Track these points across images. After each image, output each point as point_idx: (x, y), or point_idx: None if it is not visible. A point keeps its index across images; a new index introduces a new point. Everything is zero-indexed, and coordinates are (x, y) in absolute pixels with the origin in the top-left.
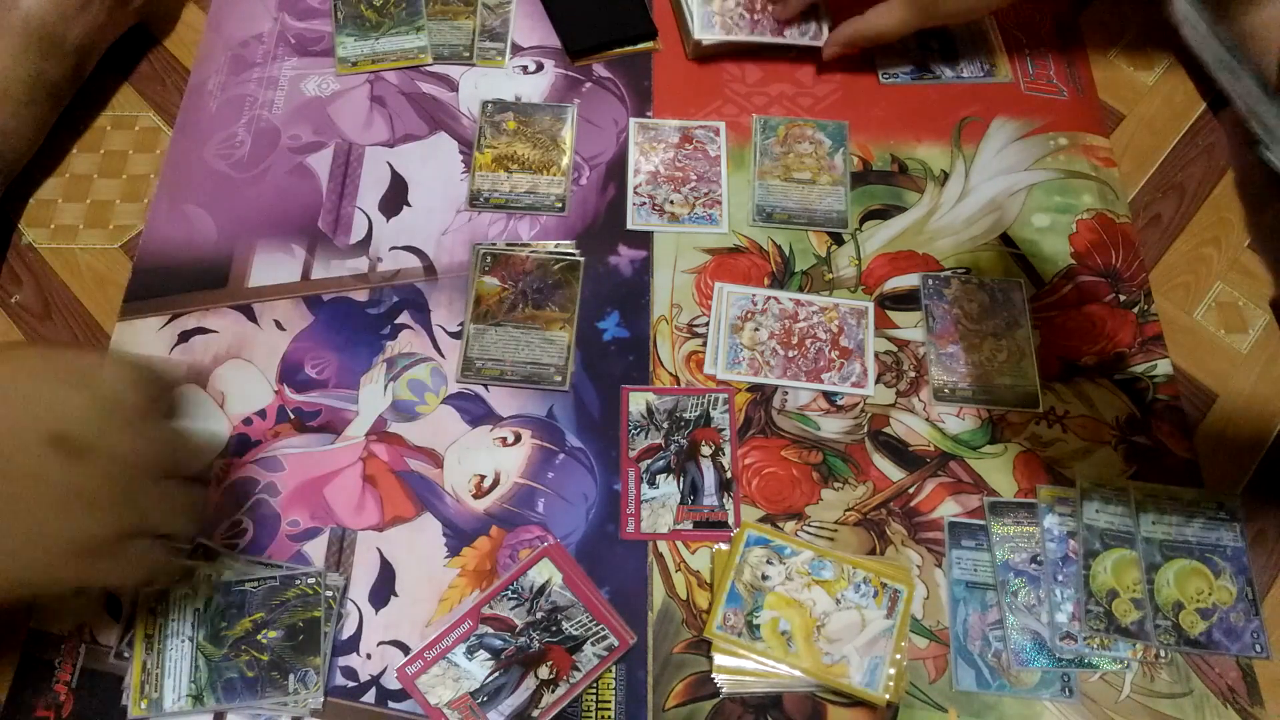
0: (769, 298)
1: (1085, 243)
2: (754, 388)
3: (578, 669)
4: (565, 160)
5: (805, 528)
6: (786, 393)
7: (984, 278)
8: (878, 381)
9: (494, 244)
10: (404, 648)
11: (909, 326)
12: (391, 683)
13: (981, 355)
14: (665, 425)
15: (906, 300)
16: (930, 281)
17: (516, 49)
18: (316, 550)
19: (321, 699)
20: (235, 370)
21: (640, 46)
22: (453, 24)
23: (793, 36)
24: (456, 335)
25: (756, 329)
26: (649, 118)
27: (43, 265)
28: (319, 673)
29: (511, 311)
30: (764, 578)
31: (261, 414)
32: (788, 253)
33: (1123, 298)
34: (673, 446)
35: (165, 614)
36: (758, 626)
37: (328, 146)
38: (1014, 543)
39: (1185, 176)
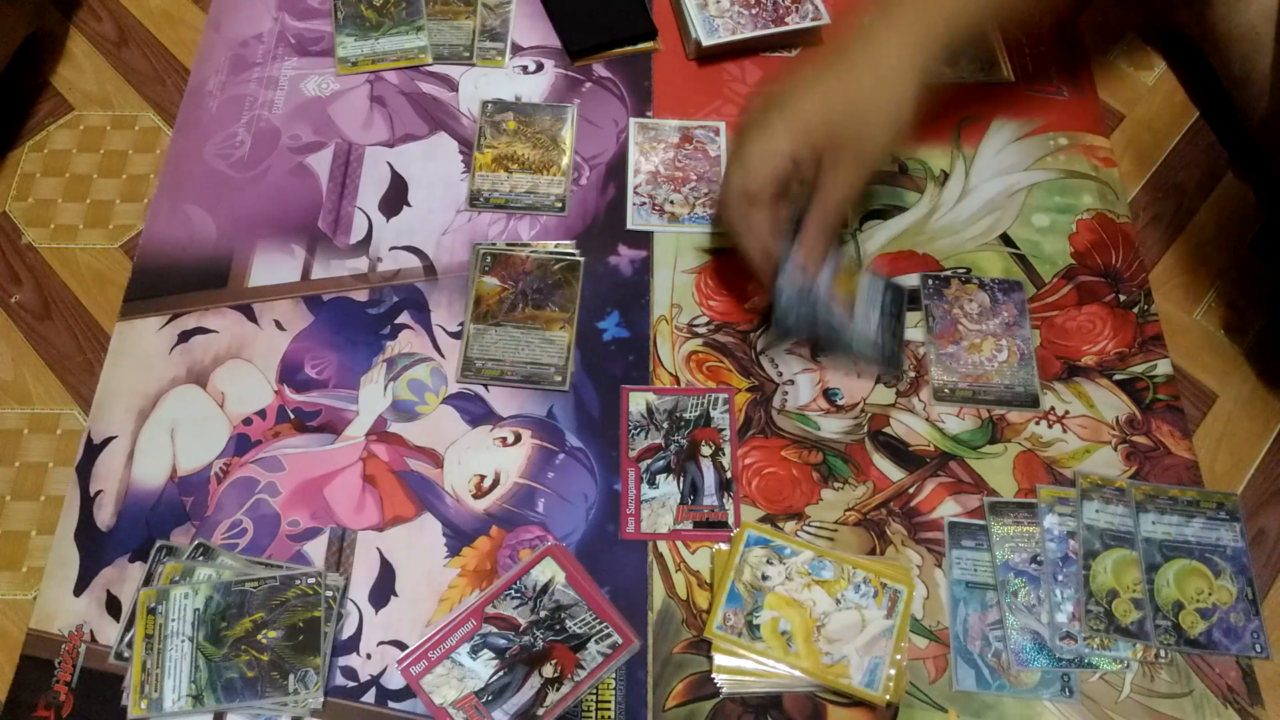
0: None
1: (1085, 243)
2: (754, 388)
3: (582, 667)
4: (565, 160)
5: (805, 528)
6: (786, 392)
7: (984, 277)
8: (878, 382)
9: (494, 244)
10: (404, 648)
11: (909, 326)
12: (392, 682)
13: (982, 355)
14: (665, 425)
15: (909, 300)
16: (930, 281)
17: (516, 49)
18: (316, 550)
19: (321, 699)
20: (235, 370)
21: (640, 46)
22: (453, 24)
23: (794, 22)
24: (456, 335)
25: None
26: (649, 118)
27: (43, 265)
28: (319, 673)
29: (511, 311)
30: (764, 578)
31: (261, 414)
32: None
33: (1123, 298)
34: (673, 446)
35: (165, 614)
36: (758, 626)
37: (328, 146)
38: (1014, 543)
39: (1185, 176)
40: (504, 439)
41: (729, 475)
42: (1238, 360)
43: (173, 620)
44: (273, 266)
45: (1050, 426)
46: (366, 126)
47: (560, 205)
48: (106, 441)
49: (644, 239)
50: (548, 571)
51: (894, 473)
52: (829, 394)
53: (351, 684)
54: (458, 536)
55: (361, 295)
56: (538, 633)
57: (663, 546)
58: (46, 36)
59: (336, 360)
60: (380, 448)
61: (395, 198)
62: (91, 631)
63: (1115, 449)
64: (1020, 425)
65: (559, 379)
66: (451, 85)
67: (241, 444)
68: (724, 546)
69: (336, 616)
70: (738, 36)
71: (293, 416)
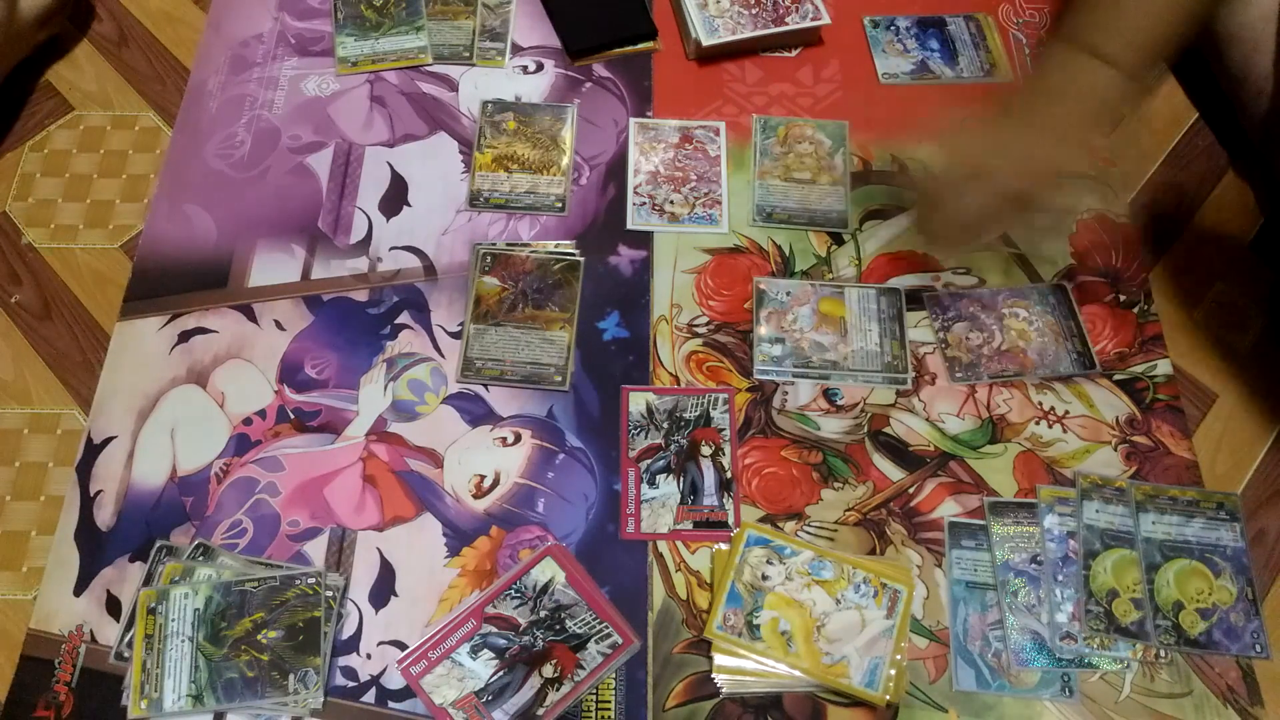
0: None
1: (1085, 243)
2: (753, 388)
3: (582, 667)
4: (565, 160)
5: (805, 528)
6: (786, 392)
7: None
8: (882, 382)
9: (494, 244)
10: (404, 648)
11: (911, 327)
12: (392, 682)
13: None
14: (665, 425)
15: (909, 300)
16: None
17: (516, 49)
18: (316, 550)
19: (321, 699)
20: (235, 370)
21: (640, 46)
22: (453, 24)
23: (794, 22)
24: (456, 335)
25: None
26: (649, 118)
27: (43, 265)
28: (319, 673)
29: (511, 311)
30: (764, 578)
31: (261, 414)
32: (788, 253)
33: (1123, 298)
34: (673, 446)
35: (165, 614)
36: (758, 626)
37: (328, 146)
38: (1014, 543)
39: (1185, 176)
40: (504, 439)
41: (729, 475)
42: (1238, 360)
43: (173, 620)
44: (273, 266)
45: (1050, 426)
46: (366, 126)
47: (560, 205)
48: (106, 441)
49: (644, 239)
50: (548, 571)
51: (894, 473)
52: (829, 394)
53: (351, 684)
54: (458, 536)
55: (361, 295)
56: (538, 633)
57: (663, 546)
58: (46, 37)
59: (336, 360)
60: (380, 448)
61: (395, 198)
62: (91, 631)
63: (1115, 449)
64: (1020, 425)
65: (559, 379)
66: (451, 85)
67: (241, 444)
68: (724, 546)
69: (336, 616)
70: (738, 36)
71: (293, 416)
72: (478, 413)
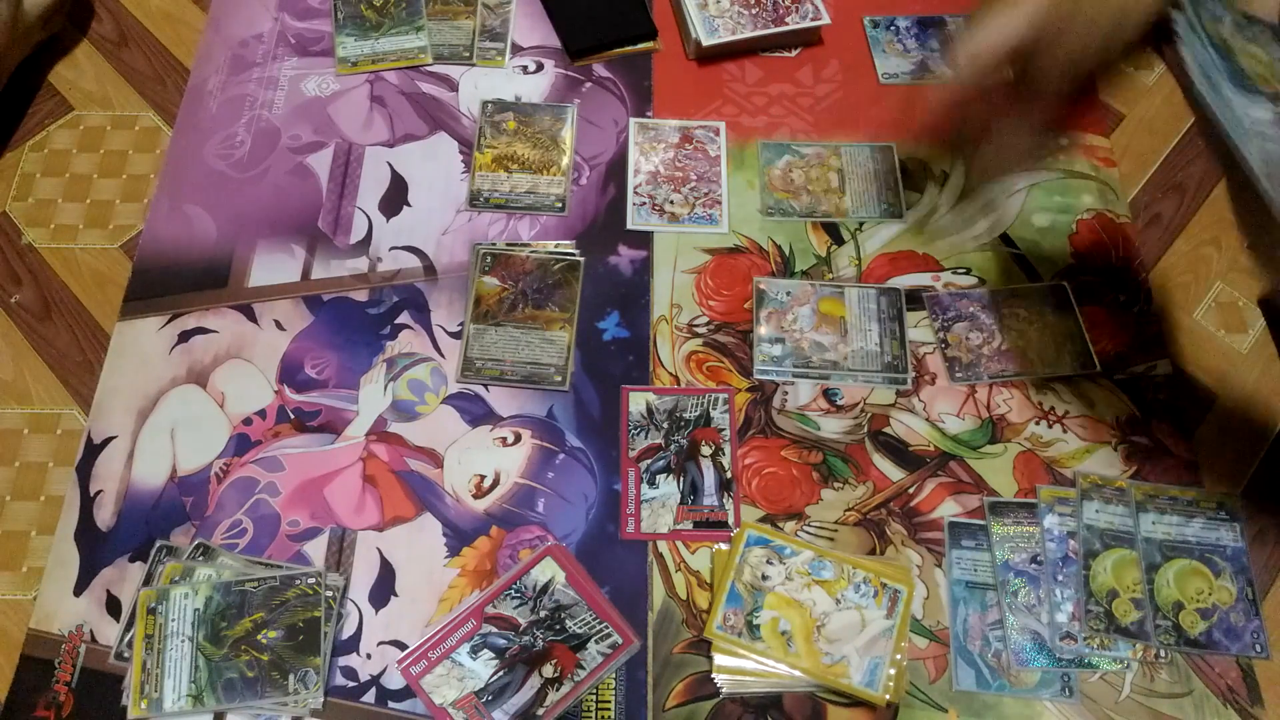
0: None
1: (1085, 243)
2: (753, 388)
3: (582, 667)
4: (565, 160)
5: (805, 528)
6: (786, 392)
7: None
8: (882, 382)
9: (494, 244)
10: (404, 648)
11: (911, 327)
12: (392, 682)
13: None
14: (665, 425)
15: (909, 300)
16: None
17: (516, 49)
18: (316, 550)
19: (321, 699)
20: (235, 370)
21: (640, 46)
22: (453, 24)
23: (794, 22)
24: (456, 335)
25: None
26: (649, 118)
27: (43, 265)
28: (319, 673)
29: (511, 311)
30: (764, 578)
31: (261, 414)
32: (788, 253)
33: (1123, 298)
34: (673, 446)
35: (165, 614)
36: (758, 626)
37: (328, 146)
38: (1014, 543)
39: (1185, 176)
40: (504, 439)
41: (729, 475)
42: (1238, 360)
43: (173, 620)
44: (273, 266)
45: (1050, 426)
46: (366, 126)
47: (560, 205)
48: (106, 441)
49: (644, 239)
50: (548, 571)
51: (894, 473)
52: (829, 394)
53: (351, 684)
54: (458, 536)
55: (361, 295)
56: (538, 633)
57: (663, 546)
58: (47, 36)
59: (336, 360)
60: (380, 448)
61: (395, 198)
62: (91, 631)
63: (1115, 449)
64: (1020, 425)
65: (559, 379)
66: (451, 85)
67: (241, 444)
68: (724, 546)
69: (336, 616)
70: (738, 36)
71: (293, 416)
72: (478, 413)
